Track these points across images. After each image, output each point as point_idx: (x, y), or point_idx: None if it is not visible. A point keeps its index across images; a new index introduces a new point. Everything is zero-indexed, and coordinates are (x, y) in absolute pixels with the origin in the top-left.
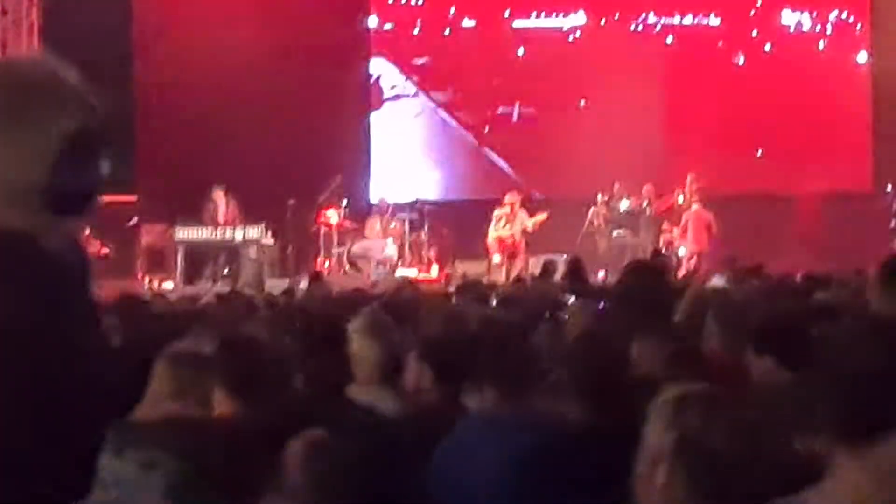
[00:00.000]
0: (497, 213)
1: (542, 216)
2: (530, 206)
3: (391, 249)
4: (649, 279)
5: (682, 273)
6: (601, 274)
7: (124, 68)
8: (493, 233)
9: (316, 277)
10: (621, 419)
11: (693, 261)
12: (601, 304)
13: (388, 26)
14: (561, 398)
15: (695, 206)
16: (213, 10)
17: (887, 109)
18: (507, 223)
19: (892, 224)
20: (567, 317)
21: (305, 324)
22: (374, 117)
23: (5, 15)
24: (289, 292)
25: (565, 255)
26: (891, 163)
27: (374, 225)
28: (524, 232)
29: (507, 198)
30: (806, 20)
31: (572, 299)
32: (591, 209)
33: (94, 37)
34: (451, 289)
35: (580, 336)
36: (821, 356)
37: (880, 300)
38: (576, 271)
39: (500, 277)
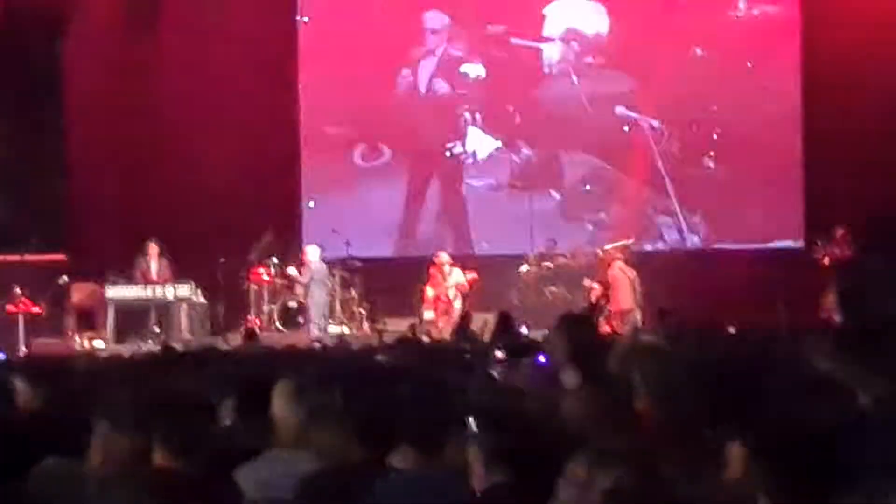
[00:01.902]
0: (432, 270)
1: (472, 274)
2: (463, 264)
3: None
4: (577, 333)
5: (609, 329)
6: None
7: (55, 122)
8: (429, 290)
9: (250, 335)
10: (544, 478)
11: (622, 317)
12: (530, 359)
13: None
14: (485, 457)
15: (618, 263)
16: (145, 64)
17: (818, 162)
18: (440, 280)
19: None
20: (494, 372)
21: (238, 381)
22: (306, 172)
23: None
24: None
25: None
26: (821, 217)
27: (299, 281)
28: (457, 289)
29: (440, 256)
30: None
31: (500, 354)
32: (523, 266)
33: (26, 88)
34: (381, 345)
35: (506, 392)
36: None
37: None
38: (505, 326)
39: (433, 334)
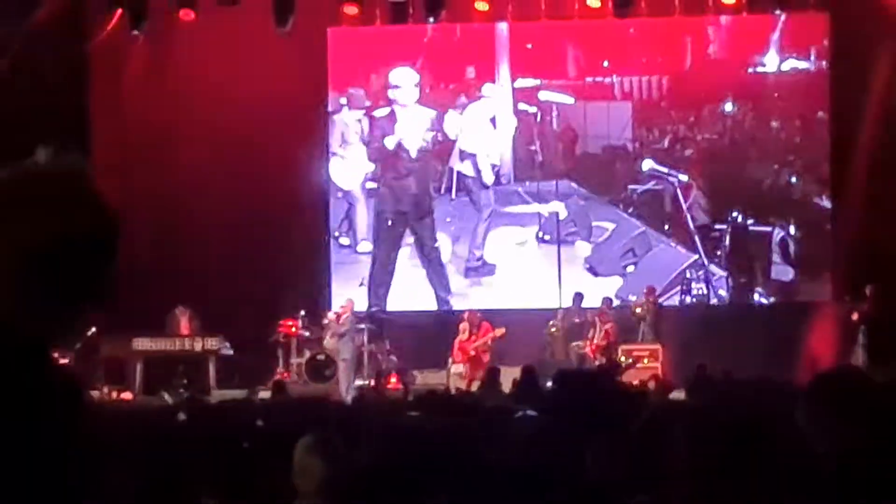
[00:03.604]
0: (462, 325)
1: (501, 330)
2: (491, 319)
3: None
4: (599, 387)
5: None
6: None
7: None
8: (458, 343)
9: (278, 388)
10: None
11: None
12: (553, 412)
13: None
14: None
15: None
16: (169, 127)
17: (847, 218)
18: (470, 335)
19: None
20: (518, 425)
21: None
22: (334, 225)
23: None
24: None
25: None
26: (849, 273)
27: (329, 335)
28: (486, 343)
29: (469, 311)
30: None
31: (524, 410)
32: (550, 322)
33: (54, 143)
34: (410, 398)
35: (531, 444)
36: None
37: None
38: (529, 380)
39: (462, 387)
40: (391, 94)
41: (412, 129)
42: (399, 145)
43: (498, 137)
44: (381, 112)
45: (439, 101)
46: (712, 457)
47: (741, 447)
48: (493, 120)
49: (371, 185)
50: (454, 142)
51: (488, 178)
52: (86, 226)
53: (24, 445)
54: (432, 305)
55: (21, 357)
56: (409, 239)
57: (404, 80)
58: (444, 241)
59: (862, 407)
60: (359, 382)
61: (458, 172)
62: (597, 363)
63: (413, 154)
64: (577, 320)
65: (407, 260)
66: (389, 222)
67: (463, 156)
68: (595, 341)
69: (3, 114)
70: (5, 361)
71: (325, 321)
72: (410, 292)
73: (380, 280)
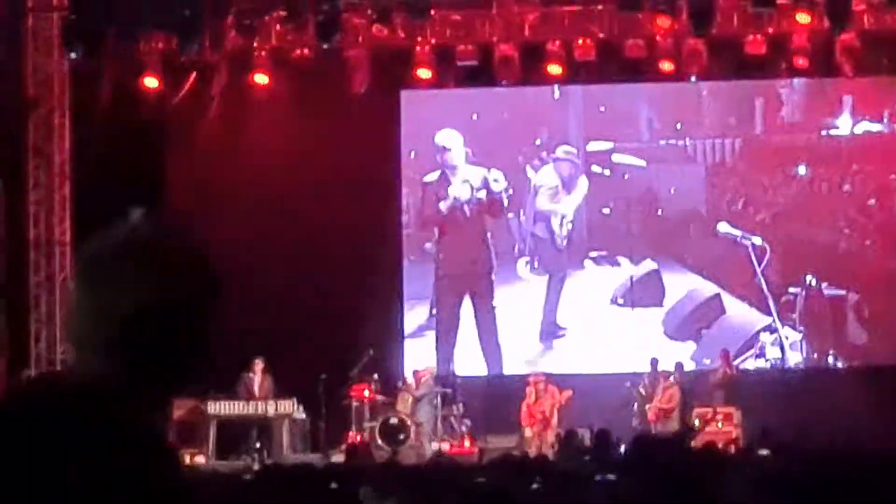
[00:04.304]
0: (528, 388)
1: (568, 392)
2: (562, 383)
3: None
4: (674, 451)
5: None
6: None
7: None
8: (525, 407)
9: (353, 451)
10: None
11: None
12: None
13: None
14: None
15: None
16: (242, 190)
17: None
18: (537, 398)
19: None
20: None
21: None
22: (408, 287)
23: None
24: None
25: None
26: None
27: (405, 399)
28: (554, 406)
29: (535, 375)
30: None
31: (601, 475)
32: (628, 384)
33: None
34: (484, 462)
35: None
36: None
37: None
38: (603, 443)
39: (532, 450)
40: (440, 157)
41: (464, 190)
42: (451, 207)
43: (571, 198)
44: (430, 177)
45: (511, 162)
46: None
47: None
48: (565, 182)
49: (429, 248)
50: (523, 200)
51: (561, 241)
52: (192, 285)
53: None
54: (502, 368)
55: (124, 422)
56: (467, 302)
57: (451, 141)
58: (516, 305)
59: None
60: (434, 446)
61: (532, 234)
62: (660, 427)
63: (468, 214)
64: (650, 385)
65: (466, 323)
66: (448, 286)
67: (537, 218)
68: (658, 406)
69: (81, 175)
70: (103, 425)
71: (402, 385)
72: (476, 357)
73: (445, 343)
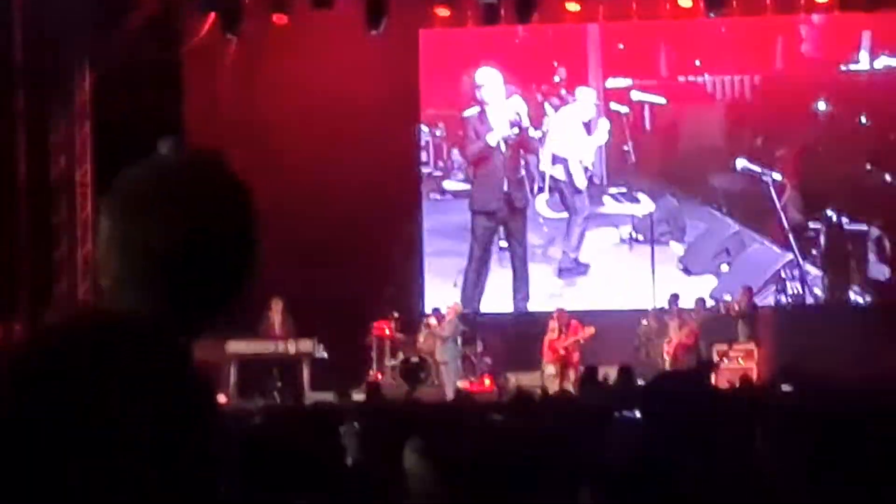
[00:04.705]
0: (551, 324)
1: (591, 329)
2: (583, 320)
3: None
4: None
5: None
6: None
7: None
8: (547, 342)
9: (373, 389)
10: None
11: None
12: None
13: (438, 132)
14: None
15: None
16: (261, 130)
17: None
18: (560, 334)
19: None
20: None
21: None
22: (429, 224)
23: None
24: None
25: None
26: None
27: (426, 337)
28: (577, 343)
29: (558, 311)
30: None
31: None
32: (643, 321)
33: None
34: (504, 400)
35: (632, 446)
36: None
37: None
38: (626, 380)
39: (554, 388)
40: (478, 94)
41: (502, 126)
42: (489, 143)
43: (590, 140)
44: (470, 112)
45: (530, 102)
46: (799, 456)
47: (831, 447)
48: (585, 124)
49: (462, 185)
50: (543, 139)
51: (581, 182)
52: (230, 218)
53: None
54: (523, 305)
55: (162, 355)
56: (494, 239)
57: (489, 79)
58: (537, 243)
59: None
60: (459, 385)
61: (551, 176)
62: (681, 363)
63: (504, 151)
64: (668, 320)
65: (496, 260)
66: (484, 222)
67: (555, 160)
68: (678, 341)
69: (99, 119)
70: (145, 357)
71: (427, 324)
72: (497, 293)
73: (474, 281)
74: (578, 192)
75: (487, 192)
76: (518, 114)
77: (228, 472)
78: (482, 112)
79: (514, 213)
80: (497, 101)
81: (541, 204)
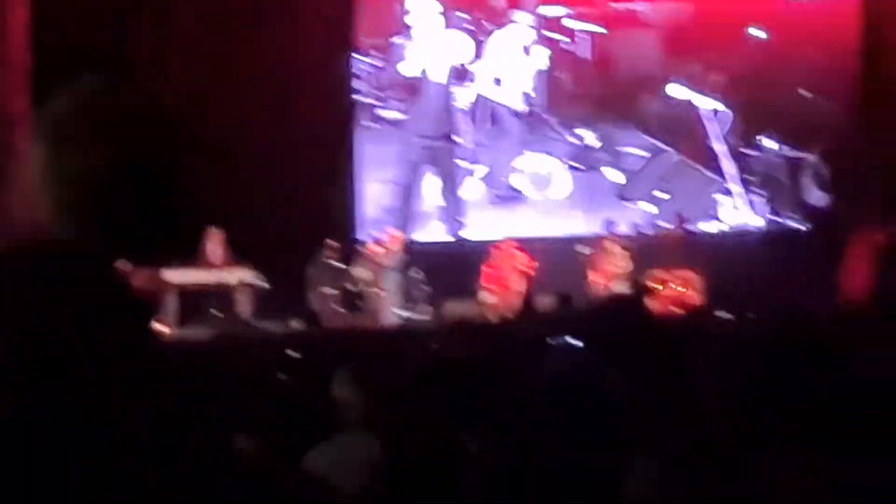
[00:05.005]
0: (494, 252)
1: (530, 262)
2: (520, 247)
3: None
4: (631, 313)
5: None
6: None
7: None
8: (489, 271)
9: (312, 319)
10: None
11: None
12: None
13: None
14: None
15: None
16: (195, 57)
17: (876, 145)
18: (501, 262)
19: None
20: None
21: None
22: (363, 152)
23: None
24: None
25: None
26: (883, 196)
27: (362, 265)
28: (519, 272)
29: (501, 240)
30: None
31: (560, 338)
32: (580, 249)
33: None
34: (442, 328)
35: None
36: None
37: None
38: (565, 308)
39: (494, 316)
40: (408, 19)
41: (433, 53)
42: (418, 70)
43: (527, 65)
44: (400, 38)
45: (464, 28)
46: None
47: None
48: (525, 48)
49: (397, 115)
50: (480, 64)
51: (519, 105)
52: (156, 145)
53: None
54: (460, 234)
55: (99, 282)
56: (429, 167)
57: (419, 4)
58: (472, 170)
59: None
60: (401, 314)
61: (489, 101)
62: (613, 290)
63: (436, 78)
64: (603, 248)
65: (427, 188)
66: (414, 148)
67: (493, 84)
68: (609, 268)
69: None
70: (82, 285)
71: (368, 252)
72: (430, 222)
73: (405, 208)
74: (517, 115)
75: (418, 119)
76: (452, 41)
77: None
78: (411, 38)
79: (444, 140)
80: (428, 28)
81: (479, 131)
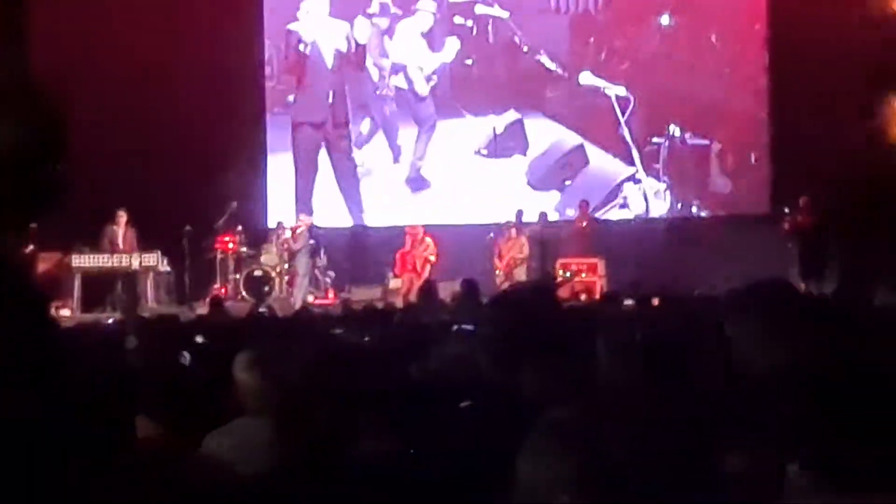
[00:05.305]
0: (406, 237)
1: (431, 243)
2: (431, 234)
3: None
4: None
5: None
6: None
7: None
8: (399, 256)
9: (216, 303)
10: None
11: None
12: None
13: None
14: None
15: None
16: (112, 31)
17: (784, 131)
18: (412, 247)
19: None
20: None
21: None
22: (272, 139)
23: None
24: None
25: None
26: (787, 185)
27: (270, 250)
28: (426, 257)
29: (409, 226)
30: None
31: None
32: (489, 236)
33: None
34: (347, 314)
35: (466, 358)
36: None
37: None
38: (469, 294)
39: (399, 302)
40: (302, 5)
41: (326, 40)
42: (311, 56)
43: (432, 51)
44: (294, 24)
45: (371, 12)
46: (636, 370)
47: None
48: (425, 34)
49: (291, 99)
50: (384, 51)
51: (422, 89)
52: (31, 127)
53: None
54: (367, 220)
55: None
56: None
57: None
58: (380, 156)
59: (785, 319)
60: (310, 299)
61: (395, 86)
62: (514, 277)
63: (330, 65)
64: (506, 235)
65: (328, 173)
66: (307, 134)
67: (395, 69)
68: (510, 255)
69: None
70: None
71: (279, 237)
72: (337, 207)
73: (303, 192)
74: (421, 99)
75: (311, 104)
76: (348, 29)
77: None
78: (304, 24)
79: (338, 126)
80: (322, 14)
81: (386, 115)
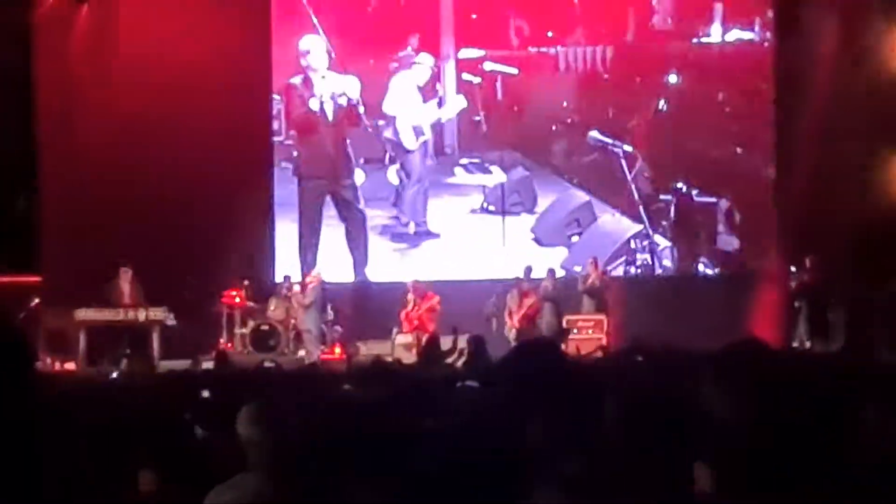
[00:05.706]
0: (409, 296)
1: (436, 298)
2: (436, 290)
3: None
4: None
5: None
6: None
7: (28, 155)
8: (404, 314)
9: (222, 358)
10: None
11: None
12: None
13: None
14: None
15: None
16: (113, 95)
17: (790, 189)
18: (414, 304)
19: (796, 304)
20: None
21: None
22: (279, 194)
23: None
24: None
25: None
26: (793, 243)
27: (277, 304)
28: (431, 313)
29: (413, 282)
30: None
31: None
32: (496, 294)
33: None
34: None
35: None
36: None
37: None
38: (478, 350)
39: (408, 357)
40: (303, 61)
41: (327, 95)
42: (312, 110)
43: (427, 105)
44: (295, 79)
45: (381, 71)
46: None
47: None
48: (420, 87)
49: (296, 154)
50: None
51: (410, 142)
52: None
53: None
54: (374, 276)
55: None
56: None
57: (313, 46)
58: (381, 210)
59: (760, 379)
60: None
61: (388, 139)
62: (523, 334)
63: (330, 119)
64: (514, 292)
65: (333, 228)
66: (311, 189)
67: (387, 122)
68: (522, 313)
69: None
70: None
71: (286, 292)
72: (337, 262)
73: (308, 247)
74: (408, 152)
75: (313, 159)
76: (346, 84)
77: (71, 437)
78: (306, 79)
79: (340, 181)
80: (322, 69)
81: (391, 173)
